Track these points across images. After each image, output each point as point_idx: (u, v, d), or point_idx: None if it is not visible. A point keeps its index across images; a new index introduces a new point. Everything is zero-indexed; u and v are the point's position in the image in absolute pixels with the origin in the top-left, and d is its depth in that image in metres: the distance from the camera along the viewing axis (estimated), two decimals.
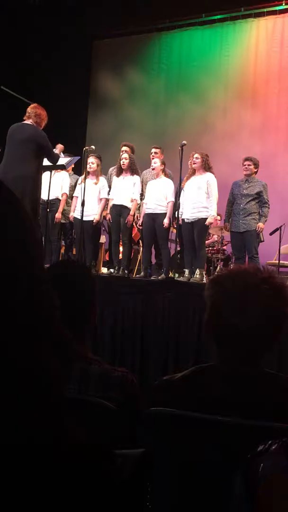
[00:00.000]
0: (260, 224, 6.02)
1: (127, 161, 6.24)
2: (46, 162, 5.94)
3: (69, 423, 0.53)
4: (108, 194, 6.49)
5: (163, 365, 4.69)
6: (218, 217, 7.48)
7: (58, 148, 6.75)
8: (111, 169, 6.84)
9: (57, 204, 6.55)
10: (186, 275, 5.81)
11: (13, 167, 4.79)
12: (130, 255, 6.62)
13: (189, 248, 5.94)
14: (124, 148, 6.63)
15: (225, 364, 1.30)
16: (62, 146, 7.09)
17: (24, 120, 5.05)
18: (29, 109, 5.05)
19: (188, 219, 5.89)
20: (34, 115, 4.99)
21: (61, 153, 6.69)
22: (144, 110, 9.75)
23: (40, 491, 0.49)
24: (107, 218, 6.56)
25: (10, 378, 0.49)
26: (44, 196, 6.46)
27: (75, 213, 6.40)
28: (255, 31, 9.00)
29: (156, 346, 4.80)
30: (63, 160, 6.25)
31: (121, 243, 6.48)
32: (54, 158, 5.32)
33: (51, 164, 5.97)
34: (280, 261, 6.31)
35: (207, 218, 5.80)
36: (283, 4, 8.62)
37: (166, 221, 5.97)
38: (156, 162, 6.20)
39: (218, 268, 6.87)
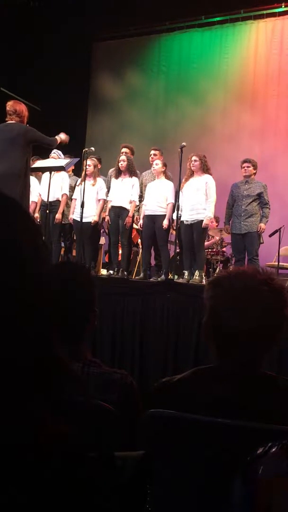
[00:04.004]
0: (262, 225, 6.04)
1: (125, 163, 6.25)
2: (45, 163, 5.96)
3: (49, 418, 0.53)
4: (107, 195, 6.49)
5: (162, 367, 4.68)
6: (213, 219, 7.49)
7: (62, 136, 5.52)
8: (110, 170, 6.84)
9: (57, 205, 6.54)
10: (186, 277, 5.81)
11: (1, 164, 4.76)
12: (130, 257, 6.62)
13: (189, 250, 5.95)
14: (124, 149, 6.64)
15: (224, 366, 1.29)
16: (53, 155, 6.53)
17: (7, 120, 4.97)
18: (8, 108, 4.96)
19: (187, 221, 5.90)
20: (14, 114, 4.92)
21: (61, 154, 6.67)
22: (144, 112, 9.75)
23: (38, 493, 0.49)
24: (106, 220, 6.57)
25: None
26: (44, 197, 6.49)
27: (74, 215, 6.40)
28: (255, 33, 9.01)
29: (155, 348, 4.80)
30: (63, 161, 6.25)
31: (120, 244, 6.48)
32: (51, 143, 5.18)
33: (50, 166, 5.97)
34: (280, 263, 6.31)
35: None
36: (283, 6, 8.63)
37: (165, 223, 5.98)
38: (158, 164, 6.20)
39: (218, 269, 6.87)
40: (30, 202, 6.50)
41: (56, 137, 5.29)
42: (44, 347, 0.54)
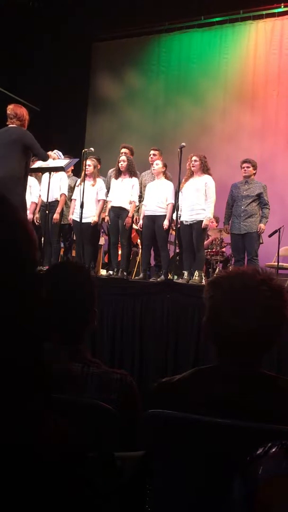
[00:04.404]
0: (261, 225, 6.04)
1: (125, 163, 6.25)
2: (45, 164, 5.95)
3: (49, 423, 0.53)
4: (107, 196, 6.49)
5: (162, 367, 4.68)
6: (213, 219, 7.50)
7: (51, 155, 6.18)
8: (110, 171, 6.84)
9: (57, 205, 6.54)
10: (185, 277, 5.81)
11: (1, 167, 4.76)
12: (129, 257, 6.61)
13: (188, 250, 5.95)
14: (123, 150, 6.63)
15: (224, 366, 1.29)
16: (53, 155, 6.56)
17: (8, 124, 4.99)
18: (8, 111, 4.98)
19: (186, 221, 5.90)
20: (15, 117, 4.93)
21: (61, 155, 6.67)
22: (143, 112, 9.76)
23: (38, 493, 0.49)
24: (106, 220, 6.56)
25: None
26: (43, 198, 6.48)
27: (74, 216, 6.40)
28: (254, 34, 9.02)
29: (155, 348, 4.80)
30: (62, 162, 6.25)
31: (120, 245, 6.48)
32: (42, 155, 5.25)
33: (50, 166, 5.97)
34: (279, 263, 6.31)
35: None
36: (282, 6, 8.64)
37: (166, 223, 5.98)
38: (158, 164, 6.20)
39: (217, 270, 6.87)
40: (30, 203, 6.50)
41: (48, 153, 5.64)
42: (43, 347, 0.54)
